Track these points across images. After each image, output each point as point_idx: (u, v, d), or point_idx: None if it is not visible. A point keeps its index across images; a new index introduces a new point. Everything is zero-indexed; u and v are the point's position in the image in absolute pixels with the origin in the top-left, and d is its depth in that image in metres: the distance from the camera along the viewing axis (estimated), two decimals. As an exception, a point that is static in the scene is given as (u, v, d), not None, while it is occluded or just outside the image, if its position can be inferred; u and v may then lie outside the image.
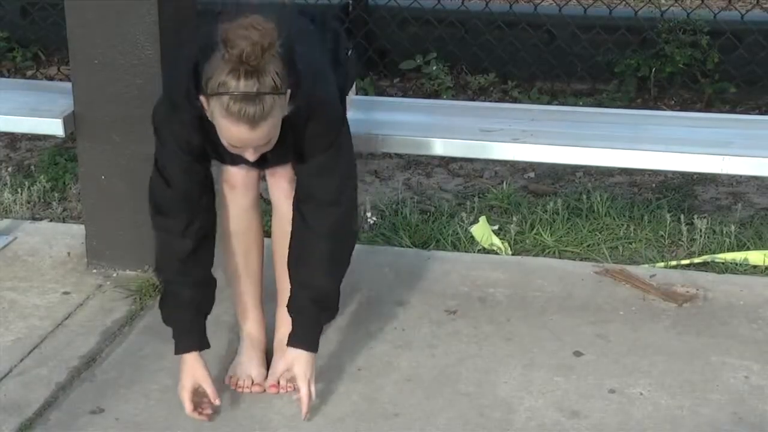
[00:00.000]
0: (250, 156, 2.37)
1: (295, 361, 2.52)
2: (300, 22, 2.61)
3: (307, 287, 2.53)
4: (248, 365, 2.66)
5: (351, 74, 2.76)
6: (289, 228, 2.59)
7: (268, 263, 2.72)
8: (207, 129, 2.39)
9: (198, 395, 2.53)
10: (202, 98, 2.31)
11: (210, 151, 2.49)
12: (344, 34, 2.82)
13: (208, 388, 2.52)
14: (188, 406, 2.51)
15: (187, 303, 2.53)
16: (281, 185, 2.60)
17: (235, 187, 2.60)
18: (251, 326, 2.70)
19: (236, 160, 2.51)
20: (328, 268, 2.53)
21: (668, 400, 2.58)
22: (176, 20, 3.00)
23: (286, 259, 2.60)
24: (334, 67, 2.59)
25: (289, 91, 2.30)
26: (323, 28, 2.67)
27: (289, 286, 2.58)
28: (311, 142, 2.47)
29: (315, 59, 2.51)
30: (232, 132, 2.29)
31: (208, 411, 2.54)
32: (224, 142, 2.35)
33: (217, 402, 2.53)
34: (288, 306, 2.57)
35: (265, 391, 2.62)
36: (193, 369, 2.52)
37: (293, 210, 2.54)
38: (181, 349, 2.54)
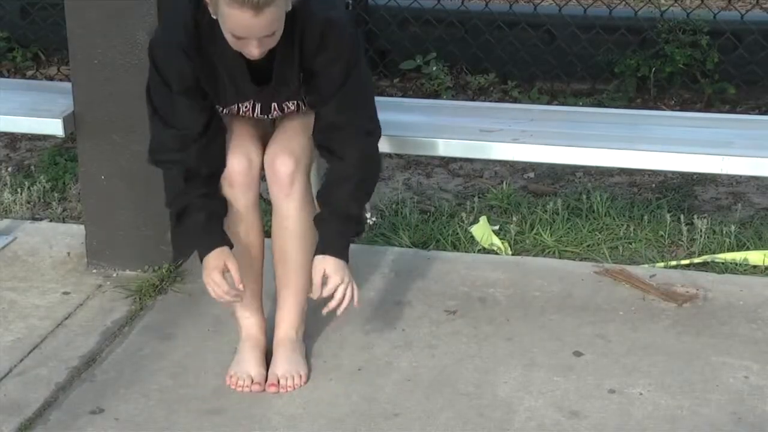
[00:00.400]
0: (255, 50, 2.37)
1: (326, 266, 2.53)
2: None
3: (332, 206, 2.55)
4: (248, 365, 2.66)
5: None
6: (287, 226, 2.60)
7: (268, 263, 2.72)
8: (205, 51, 2.39)
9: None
10: None
11: (206, 83, 2.48)
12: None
13: (235, 271, 2.52)
14: (224, 285, 2.52)
15: (199, 208, 2.54)
16: (280, 182, 2.60)
17: (235, 186, 2.60)
18: (251, 326, 2.71)
19: (238, 88, 2.51)
20: (354, 195, 2.57)
21: (668, 400, 2.58)
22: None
23: (286, 256, 2.61)
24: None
25: None
26: None
27: (292, 283, 2.64)
28: (326, 72, 2.48)
29: None
30: (236, 18, 2.31)
31: (237, 292, 2.56)
32: (227, 35, 2.36)
33: (241, 287, 2.54)
34: (315, 220, 2.58)
35: (264, 390, 2.63)
36: (221, 255, 2.53)
37: (319, 148, 2.57)
38: (206, 249, 2.54)
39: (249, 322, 2.71)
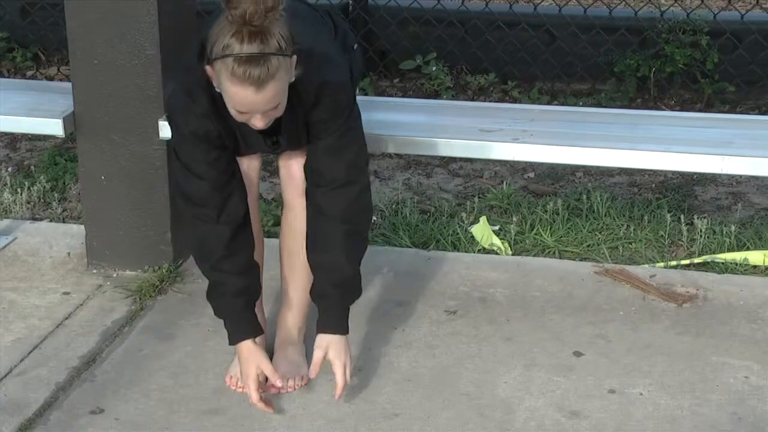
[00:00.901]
0: (259, 123, 2.37)
1: (329, 347, 2.53)
2: (303, 6, 2.64)
3: (328, 272, 2.54)
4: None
5: (358, 67, 2.77)
6: (300, 225, 2.60)
7: (268, 263, 2.72)
8: (221, 114, 2.39)
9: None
10: (209, 68, 2.31)
11: (225, 139, 2.49)
12: (350, 29, 2.83)
13: (270, 374, 2.53)
14: (255, 395, 2.52)
15: (235, 292, 2.54)
16: (296, 182, 2.60)
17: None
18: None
19: (250, 145, 2.52)
20: (347, 252, 2.54)
21: (668, 400, 2.58)
22: (176, 20, 3.01)
23: (293, 255, 2.62)
24: (342, 54, 2.60)
25: (295, 57, 2.31)
26: (330, 20, 2.68)
27: (296, 283, 2.63)
28: (319, 126, 2.48)
29: (322, 41, 2.53)
30: (238, 95, 2.30)
31: (272, 407, 2.56)
32: (231, 110, 2.35)
33: (279, 384, 2.55)
34: (311, 293, 2.58)
35: (264, 390, 2.63)
36: (254, 356, 2.53)
37: (306, 198, 2.56)
38: (236, 339, 2.55)
39: None
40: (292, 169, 2.60)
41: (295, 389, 2.63)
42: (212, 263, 2.54)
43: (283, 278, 2.69)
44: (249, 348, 2.55)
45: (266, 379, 2.62)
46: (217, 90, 2.36)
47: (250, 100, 2.30)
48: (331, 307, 2.56)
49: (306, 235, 2.57)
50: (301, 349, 2.72)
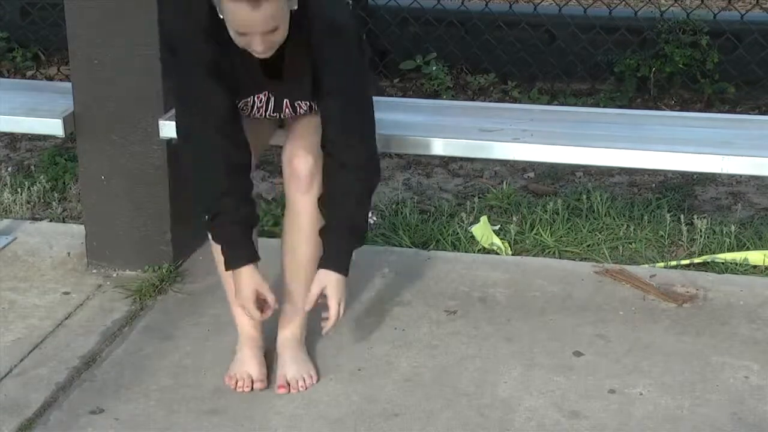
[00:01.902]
0: (258, 46, 2.39)
1: (327, 283, 2.57)
2: None
3: (341, 216, 2.58)
4: (248, 365, 2.66)
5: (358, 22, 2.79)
6: (301, 223, 2.61)
7: (269, 263, 2.72)
8: (224, 41, 2.41)
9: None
10: None
11: (223, 66, 2.50)
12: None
13: (268, 295, 2.56)
14: (256, 313, 2.56)
15: (235, 221, 2.55)
16: (299, 178, 2.60)
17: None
18: (249, 326, 2.70)
19: (251, 83, 2.52)
20: (359, 205, 2.61)
21: (668, 400, 2.58)
22: (176, 20, 3.01)
23: (297, 253, 2.64)
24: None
25: None
26: None
27: (299, 281, 2.65)
28: (328, 68, 2.51)
29: None
30: (235, 14, 2.33)
31: (269, 313, 2.60)
32: (232, 33, 2.38)
33: (276, 306, 2.59)
34: (320, 232, 2.61)
35: (267, 387, 2.62)
36: (252, 279, 2.55)
37: (324, 152, 2.59)
38: (236, 263, 2.56)
39: (247, 321, 2.70)
40: (295, 165, 2.60)
41: (306, 389, 2.63)
42: (214, 197, 2.55)
43: (285, 276, 2.69)
44: (249, 271, 2.56)
45: (267, 378, 2.63)
46: (220, 15, 2.38)
47: (247, 17, 2.33)
48: (338, 247, 2.60)
49: (323, 185, 2.60)
50: (304, 347, 2.72)
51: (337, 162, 2.57)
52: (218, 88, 2.51)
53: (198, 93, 2.53)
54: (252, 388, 2.63)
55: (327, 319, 2.60)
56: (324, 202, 2.61)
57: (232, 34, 2.40)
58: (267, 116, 2.67)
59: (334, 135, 2.56)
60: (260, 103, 2.63)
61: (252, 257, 2.57)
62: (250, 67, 2.51)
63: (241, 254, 2.56)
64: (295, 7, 2.40)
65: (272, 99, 2.62)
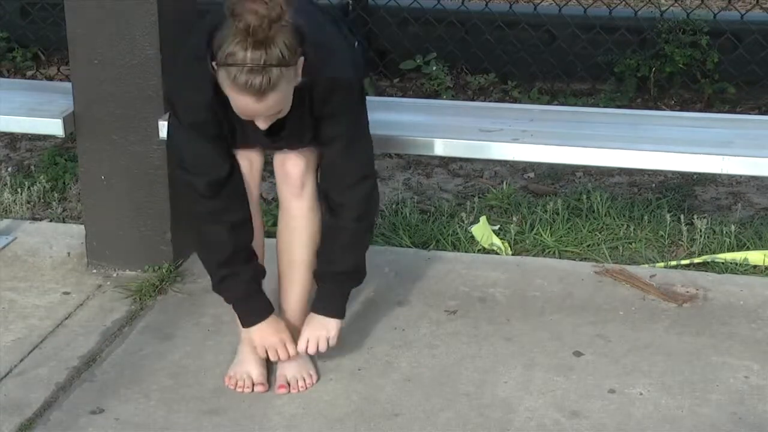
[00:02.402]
0: (262, 124, 2.39)
1: (309, 322, 2.63)
2: (309, 5, 2.65)
3: (334, 264, 2.61)
4: (248, 365, 2.66)
5: (361, 64, 2.78)
6: (295, 226, 2.61)
7: (268, 263, 2.72)
8: (225, 104, 2.40)
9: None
10: (213, 64, 2.32)
11: (225, 128, 2.50)
12: (352, 27, 2.84)
13: (290, 345, 2.61)
14: (292, 347, 2.62)
15: (246, 280, 2.59)
16: (291, 183, 2.60)
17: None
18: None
19: (249, 136, 2.52)
20: (355, 248, 2.63)
21: (668, 400, 2.58)
22: (176, 20, 3.01)
23: (293, 256, 2.64)
24: (347, 48, 2.61)
25: (301, 60, 2.32)
26: (331, 16, 2.69)
27: (295, 282, 2.66)
28: (329, 121, 2.51)
29: (327, 33, 2.54)
30: (239, 102, 2.33)
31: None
32: (235, 108, 2.37)
33: (295, 353, 2.63)
34: (314, 275, 2.63)
35: (267, 390, 2.63)
36: (279, 328, 2.62)
37: (321, 200, 2.61)
38: (252, 321, 2.61)
39: None
40: (288, 168, 2.60)
41: (306, 389, 2.63)
42: (219, 261, 2.58)
43: (281, 278, 2.69)
44: (272, 324, 2.61)
45: (267, 380, 2.63)
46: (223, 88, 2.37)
47: (252, 108, 2.33)
48: (329, 292, 2.64)
49: (321, 234, 2.62)
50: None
51: (332, 202, 2.58)
52: (217, 156, 2.52)
53: (196, 159, 2.53)
54: (252, 389, 2.63)
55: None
56: (321, 250, 2.62)
57: (234, 109, 2.37)
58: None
59: (332, 179, 2.57)
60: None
61: (269, 309, 2.62)
62: (251, 130, 2.49)
63: (256, 308, 2.61)
64: (299, 82, 2.37)
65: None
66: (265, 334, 2.61)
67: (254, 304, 2.62)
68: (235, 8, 2.23)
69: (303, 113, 2.47)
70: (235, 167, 2.56)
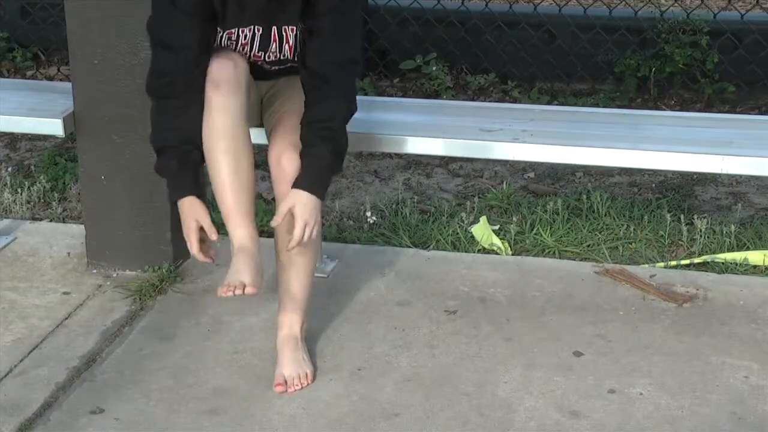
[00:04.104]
0: None
1: (296, 202, 2.56)
2: None
3: (324, 136, 2.57)
4: (242, 273, 2.53)
5: None
6: (292, 220, 2.59)
7: (267, 264, 2.72)
8: None
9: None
10: None
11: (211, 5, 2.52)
12: None
13: (207, 225, 2.57)
14: (195, 245, 2.57)
15: (178, 154, 2.59)
16: (287, 178, 2.58)
17: (220, 85, 2.56)
18: (243, 237, 2.59)
19: (245, 9, 2.53)
20: (343, 117, 2.60)
21: (668, 400, 2.58)
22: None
23: (290, 254, 2.62)
24: None
25: None
26: None
27: (294, 281, 2.64)
28: None
29: None
30: None
31: (212, 253, 2.61)
32: None
33: (214, 237, 2.58)
34: (301, 153, 2.59)
35: (256, 292, 2.53)
36: (193, 209, 2.57)
37: (305, 68, 2.61)
38: (177, 195, 2.60)
39: (241, 232, 2.59)
40: (284, 164, 2.59)
41: (302, 387, 2.63)
42: (159, 132, 2.61)
43: (280, 275, 2.68)
44: (190, 202, 2.58)
45: (260, 285, 2.55)
46: None
47: None
48: (314, 166, 2.58)
49: (305, 102, 2.60)
50: (304, 347, 2.71)
51: (320, 76, 2.57)
52: (193, 27, 2.53)
53: (172, 30, 2.55)
54: (243, 291, 2.51)
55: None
56: (305, 121, 2.59)
57: None
58: (252, 56, 2.66)
59: (318, 54, 2.57)
60: (245, 39, 2.63)
61: (193, 189, 2.59)
62: (244, 4, 2.51)
63: (183, 185, 2.59)
64: None
65: (258, 34, 2.62)
66: (182, 214, 2.59)
67: (178, 179, 2.60)
68: None
69: None
70: (204, 52, 2.56)
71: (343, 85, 2.61)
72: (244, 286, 2.50)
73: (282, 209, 2.57)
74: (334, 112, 2.59)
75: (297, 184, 2.57)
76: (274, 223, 2.59)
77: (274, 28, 2.63)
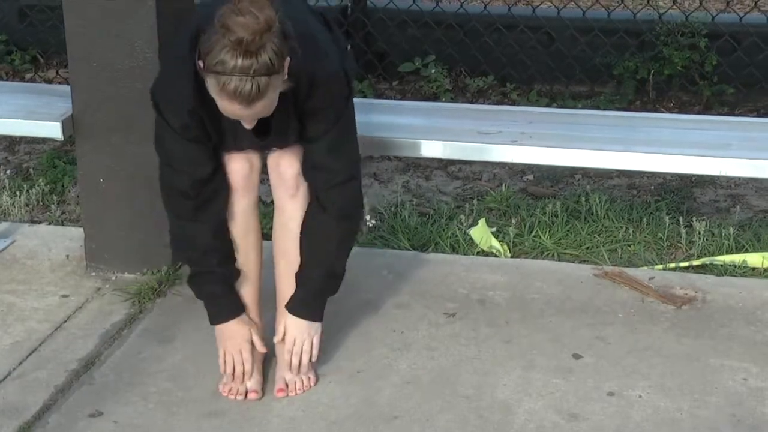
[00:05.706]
0: (247, 124, 2.39)
1: (288, 325, 2.63)
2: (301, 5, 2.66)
3: (321, 261, 2.61)
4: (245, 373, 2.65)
5: (352, 67, 2.76)
6: (291, 227, 2.61)
7: (266, 265, 2.72)
8: (209, 105, 2.39)
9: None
10: (200, 63, 2.31)
11: (210, 127, 2.49)
12: (342, 34, 2.84)
13: (257, 340, 2.63)
14: (251, 364, 2.63)
15: (219, 278, 2.61)
16: (286, 182, 2.60)
17: (237, 188, 2.60)
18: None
19: (239, 140, 2.52)
20: (339, 251, 2.63)
21: (667, 402, 2.58)
22: (174, 23, 3.00)
23: (289, 257, 2.63)
24: (333, 44, 2.60)
25: (287, 60, 2.30)
26: (322, 18, 2.69)
27: (292, 284, 2.64)
28: (314, 117, 2.50)
29: (313, 27, 2.54)
30: (227, 108, 2.33)
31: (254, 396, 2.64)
32: (221, 110, 2.37)
33: (264, 350, 2.64)
34: (297, 276, 2.63)
35: (261, 397, 2.62)
36: (242, 329, 2.62)
37: (303, 193, 2.61)
38: (224, 318, 2.63)
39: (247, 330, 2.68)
40: (282, 169, 2.60)
41: (304, 391, 2.63)
42: (192, 258, 2.63)
43: (278, 279, 2.69)
44: (239, 322, 2.63)
45: (262, 387, 2.62)
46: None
47: (239, 114, 2.33)
48: (309, 292, 2.63)
49: (303, 223, 2.61)
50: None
51: (320, 205, 2.58)
52: (200, 155, 2.53)
53: (180, 157, 2.54)
54: (245, 397, 2.63)
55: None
56: (303, 246, 2.61)
57: (221, 109, 2.36)
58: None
59: (318, 177, 2.57)
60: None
61: (237, 310, 2.64)
62: (237, 129, 2.47)
63: (224, 307, 2.63)
64: (284, 89, 2.36)
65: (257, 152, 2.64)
66: (227, 335, 2.62)
67: (223, 302, 2.63)
68: (225, 22, 2.22)
69: (288, 108, 2.45)
70: (218, 168, 2.56)
71: (345, 213, 2.60)
72: (246, 392, 2.63)
73: (280, 330, 2.66)
74: (335, 258, 2.63)
75: (295, 311, 2.64)
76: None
77: (273, 148, 2.62)
